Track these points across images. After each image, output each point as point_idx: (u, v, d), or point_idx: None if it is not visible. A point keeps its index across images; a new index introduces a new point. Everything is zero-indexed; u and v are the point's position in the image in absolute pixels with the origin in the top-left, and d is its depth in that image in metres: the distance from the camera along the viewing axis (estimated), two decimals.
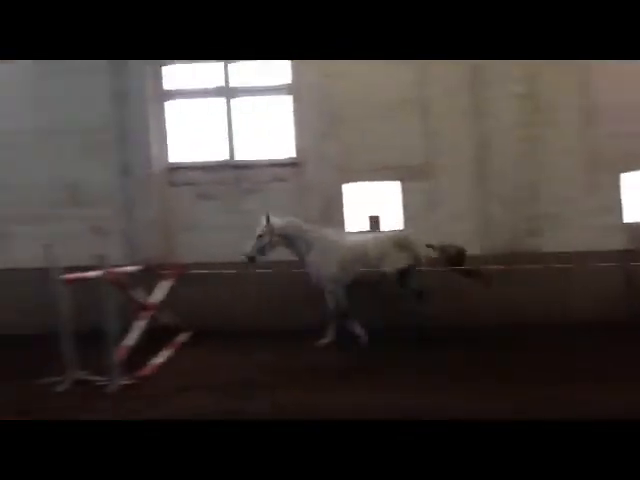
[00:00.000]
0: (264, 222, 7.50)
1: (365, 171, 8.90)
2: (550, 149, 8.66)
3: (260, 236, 7.46)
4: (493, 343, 7.42)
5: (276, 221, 7.56)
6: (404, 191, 8.94)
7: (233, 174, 9.03)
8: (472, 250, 8.47)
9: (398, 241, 7.69)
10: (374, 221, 8.97)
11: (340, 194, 8.97)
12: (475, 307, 8.30)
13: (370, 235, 7.99)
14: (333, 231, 7.95)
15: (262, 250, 7.47)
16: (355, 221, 9.04)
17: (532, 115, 8.66)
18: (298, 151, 9.09)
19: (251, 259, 7.43)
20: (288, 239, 7.64)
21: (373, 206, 9.07)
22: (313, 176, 8.92)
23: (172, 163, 9.21)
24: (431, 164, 8.82)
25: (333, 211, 8.91)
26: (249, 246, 7.42)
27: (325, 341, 7.55)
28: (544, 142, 8.66)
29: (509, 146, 8.68)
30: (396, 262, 7.56)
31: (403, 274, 7.65)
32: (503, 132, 8.68)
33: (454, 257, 7.60)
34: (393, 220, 8.99)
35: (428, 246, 7.61)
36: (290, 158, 9.09)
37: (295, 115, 9.10)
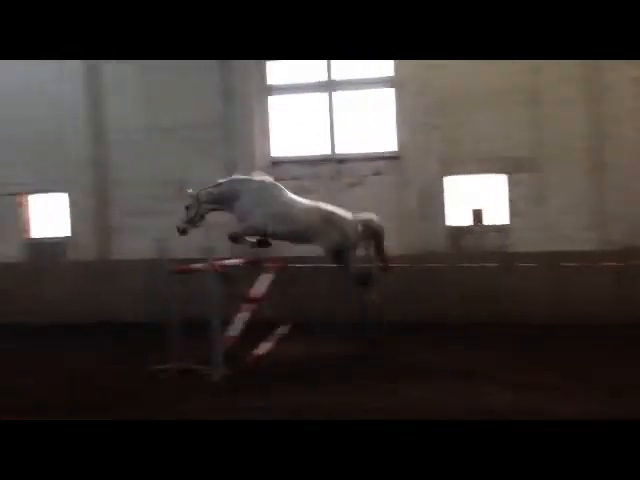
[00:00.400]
0: (189, 193, 7.12)
1: (468, 163, 8.60)
2: None
3: (187, 207, 7.10)
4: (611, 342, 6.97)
5: (203, 191, 7.12)
6: (511, 184, 8.55)
7: (334, 168, 9.02)
8: (584, 245, 8.03)
9: (326, 216, 7.12)
10: (477, 214, 8.68)
11: (441, 187, 8.73)
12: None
13: (308, 204, 7.26)
14: (273, 186, 7.23)
15: (192, 221, 7.12)
16: (456, 215, 8.79)
17: None
18: (399, 144, 8.93)
19: (182, 231, 7.12)
20: (222, 199, 7.11)
21: (476, 199, 8.77)
22: (414, 169, 8.72)
23: (274, 157, 9.33)
24: (540, 156, 8.37)
25: (434, 204, 8.69)
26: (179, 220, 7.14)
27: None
28: None
29: (625, 135, 8.05)
30: (324, 237, 7.06)
31: (337, 255, 7.14)
32: (619, 120, 8.06)
33: (375, 234, 7.23)
34: (498, 214, 8.65)
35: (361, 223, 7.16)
36: (391, 151, 8.96)
37: (397, 107, 8.94)
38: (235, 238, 7.19)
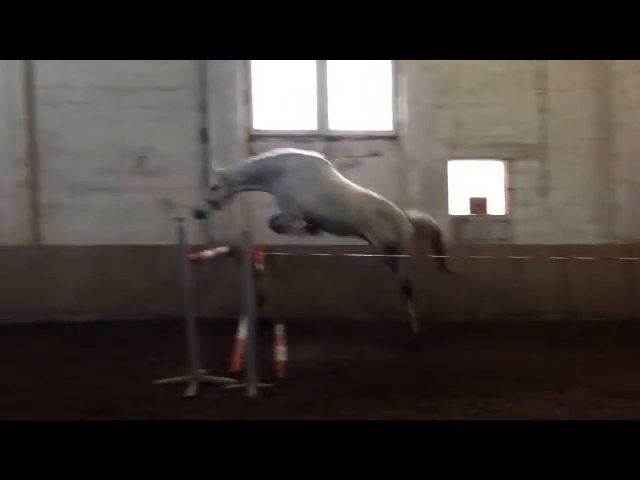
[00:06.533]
0: (218, 172, 5.96)
1: (471, 148, 7.76)
2: None
3: (214, 188, 5.93)
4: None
5: (235, 169, 6.00)
6: (512, 172, 7.84)
7: (325, 146, 7.68)
8: (589, 239, 7.52)
9: (382, 208, 6.11)
10: (480, 203, 7.90)
11: (445, 172, 7.78)
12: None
13: (359, 189, 6.18)
14: (323, 163, 6.13)
15: (218, 203, 5.97)
16: (458, 201, 7.92)
17: None
18: (396, 123, 7.79)
19: (201, 216, 5.97)
20: (262, 177, 5.91)
21: (475, 187, 7.98)
22: (415, 151, 7.69)
23: (255, 130, 7.78)
24: (545, 143, 7.72)
25: (437, 190, 7.72)
26: (201, 200, 6.02)
27: None
28: None
29: (632, 126, 7.57)
30: (378, 230, 6.04)
31: (390, 252, 6.06)
32: (626, 110, 7.57)
33: (432, 236, 6.32)
34: (498, 203, 7.92)
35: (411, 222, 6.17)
36: (388, 130, 7.84)
37: (395, 83, 7.80)
38: (278, 226, 5.94)
